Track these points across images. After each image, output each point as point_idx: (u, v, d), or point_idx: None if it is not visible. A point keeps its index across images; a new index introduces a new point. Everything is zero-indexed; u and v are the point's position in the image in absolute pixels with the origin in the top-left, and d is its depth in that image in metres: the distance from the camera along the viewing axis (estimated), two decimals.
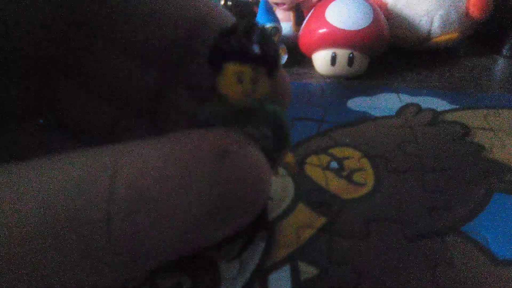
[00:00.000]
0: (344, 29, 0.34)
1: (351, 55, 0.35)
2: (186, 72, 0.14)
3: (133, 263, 0.09)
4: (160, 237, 0.09)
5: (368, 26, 0.34)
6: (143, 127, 0.15)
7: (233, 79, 0.10)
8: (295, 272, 0.20)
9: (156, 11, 0.12)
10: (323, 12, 0.35)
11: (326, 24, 0.34)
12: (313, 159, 0.27)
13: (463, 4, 0.37)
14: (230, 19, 0.13)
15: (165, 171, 0.09)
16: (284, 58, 0.39)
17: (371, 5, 0.35)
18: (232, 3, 0.35)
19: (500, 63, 0.40)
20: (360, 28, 0.34)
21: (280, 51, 0.39)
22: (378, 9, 0.36)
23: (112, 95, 0.14)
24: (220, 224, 0.10)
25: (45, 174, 0.09)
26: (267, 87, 0.10)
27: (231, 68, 0.10)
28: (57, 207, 0.08)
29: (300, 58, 0.39)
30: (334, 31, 0.34)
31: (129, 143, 0.09)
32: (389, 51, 0.38)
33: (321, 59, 0.36)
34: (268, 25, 0.36)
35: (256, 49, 0.10)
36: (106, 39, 0.13)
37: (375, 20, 0.34)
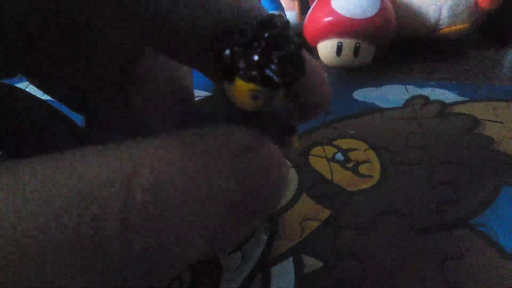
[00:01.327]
0: (350, 18, 0.33)
1: (357, 44, 0.34)
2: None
3: (149, 275, 0.08)
4: (180, 245, 0.08)
5: (376, 15, 0.33)
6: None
7: (246, 95, 0.09)
8: (298, 265, 0.20)
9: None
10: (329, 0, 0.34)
11: (332, 12, 0.33)
12: (318, 150, 0.27)
13: None
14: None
15: (184, 171, 0.08)
16: None
17: None
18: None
19: (510, 56, 0.39)
20: (367, 16, 0.33)
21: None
22: None
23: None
24: (242, 223, 0.09)
25: (50, 172, 0.08)
26: (284, 100, 0.10)
27: (245, 85, 0.09)
28: (62, 212, 0.07)
29: (305, 48, 0.38)
30: (341, 19, 0.33)
31: (145, 140, 0.09)
32: (396, 42, 0.37)
33: (326, 49, 0.35)
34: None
35: (275, 75, 0.09)
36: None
37: (383, 9, 0.33)
